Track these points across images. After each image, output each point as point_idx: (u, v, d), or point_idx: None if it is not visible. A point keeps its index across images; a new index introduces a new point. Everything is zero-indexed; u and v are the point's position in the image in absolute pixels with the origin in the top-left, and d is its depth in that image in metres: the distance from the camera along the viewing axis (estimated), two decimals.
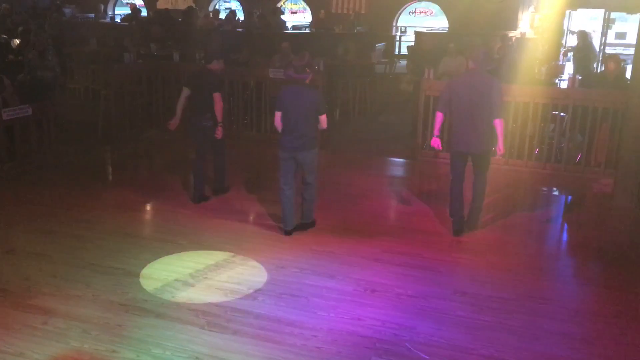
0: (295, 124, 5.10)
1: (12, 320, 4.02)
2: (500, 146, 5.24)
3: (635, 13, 13.00)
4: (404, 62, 14.19)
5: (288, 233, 5.37)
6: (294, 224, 5.39)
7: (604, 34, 14.14)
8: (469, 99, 5.14)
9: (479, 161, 5.37)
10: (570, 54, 12.36)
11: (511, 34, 12.63)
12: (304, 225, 5.47)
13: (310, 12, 18.37)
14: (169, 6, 17.74)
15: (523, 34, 13.36)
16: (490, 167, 7.27)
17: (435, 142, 5.43)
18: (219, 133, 5.99)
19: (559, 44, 13.27)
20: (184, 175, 7.07)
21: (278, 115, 5.19)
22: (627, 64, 9.85)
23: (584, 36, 11.83)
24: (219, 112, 5.97)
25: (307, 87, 5.15)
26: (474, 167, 5.42)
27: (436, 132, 5.41)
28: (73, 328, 3.94)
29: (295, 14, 20.13)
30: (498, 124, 5.14)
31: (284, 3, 18.93)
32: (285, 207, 5.36)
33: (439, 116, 5.39)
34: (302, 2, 18.93)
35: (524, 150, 7.48)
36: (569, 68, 11.53)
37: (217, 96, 5.93)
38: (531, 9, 15.59)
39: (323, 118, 5.16)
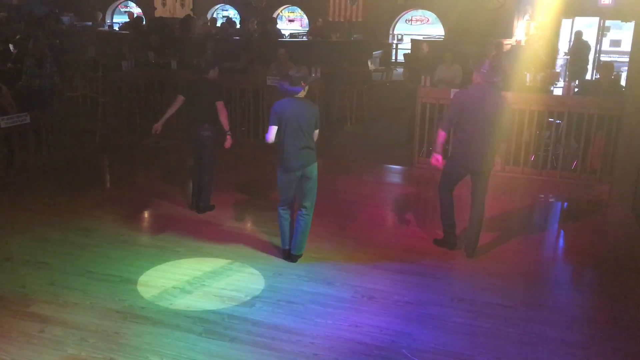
0: (299, 140, 4.76)
1: (9, 328, 4.01)
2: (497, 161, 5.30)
3: (629, 21, 13.09)
4: (400, 70, 14.27)
5: (287, 254, 5.06)
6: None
7: (598, 41, 14.24)
8: (482, 114, 4.93)
9: (479, 180, 5.11)
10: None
11: (507, 41, 12.71)
12: (294, 257, 5.06)
13: (307, 20, 18.47)
14: (167, 14, 17.81)
15: (519, 42, 13.45)
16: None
17: (437, 161, 5.18)
18: (228, 143, 5.89)
19: (554, 52, 13.35)
20: (181, 182, 7.08)
21: (273, 129, 4.81)
22: (623, 72, 9.92)
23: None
24: (225, 121, 5.92)
25: (306, 100, 4.89)
26: (473, 188, 5.17)
27: (439, 150, 5.16)
28: (70, 336, 3.93)
29: (292, 22, 20.24)
30: (498, 162, 5.19)
31: (281, 11, 19.03)
32: (283, 228, 5.06)
33: (442, 135, 5.14)
34: (300, 10, 19.03)
35: (520, 157, 7.52)
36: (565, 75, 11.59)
37: (219, 104, 5.90)
38: (526, 17, 15.69)
39: (316, 133, 4.92)
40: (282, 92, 4.91)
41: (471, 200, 5.23)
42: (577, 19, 14.29)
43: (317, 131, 4.93)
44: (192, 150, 6.18)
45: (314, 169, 4.92)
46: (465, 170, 5.17)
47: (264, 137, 5.03)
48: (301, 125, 4.78)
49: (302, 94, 4.84)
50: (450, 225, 5.33)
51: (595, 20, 14.34)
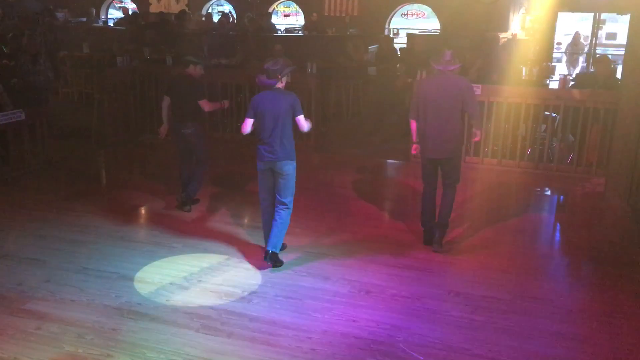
0: (272, 132, 4.75)
1: (5, 325, 4.01)
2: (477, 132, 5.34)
3: (625, 13, 13.08)
4: (397, 64, 14.23)
5: (267, 254, 4.87)
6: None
7: (594, 34, 14.24)
8: (437, 102, 4.99)
9: (448, 168, 5.15)
10: None
11: (502, 35, 12.71)
12: (269, 254, 4.83)
13: (302, 14, 18.40)
14: (162, 9, 17.72)
15: (514, 35, 13.44)
16: (483, 168, 7.38)
17: (415, 149, 5.27)
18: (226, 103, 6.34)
19: (550, 45, 13.36)
20: (177, 178, 7.05)
21: (248, 122, 4.85)
22: (618, 65, 9.93)
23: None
24: (211, 110, 6.30)
25: (282, 91, 4.83)
26: (443, 177, 5.19)
27: (415, 138, 5.23)
28: (67, 333, 3.93)
29: (288, 17, 20.18)
30: (477, 133, 5.21)
31: (276, 6, 18.96)
32: (266, 224, 4.96)
33: (413, 124, 5.20)
34: (295, 5, 18.96)
35: (516, 151, 7.53)
36: (560, 69, 11.59)
37: (203, 103, 5.93)
38: (522, 10, 15.67)
39: (300, 118, 4.78)
40: (261, 85, 4.93)
41: (442, 190, 5.24)
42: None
43: (302, 116, 4.79)
44: (177, 147, 6.17)
45: (286, 166, 4.80)
46: (431, 161, 5.17)
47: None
48: (277, 116, 4.76)
49: (279, 85, 4.82)
50: (424, 220, 5.34)
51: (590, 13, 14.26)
